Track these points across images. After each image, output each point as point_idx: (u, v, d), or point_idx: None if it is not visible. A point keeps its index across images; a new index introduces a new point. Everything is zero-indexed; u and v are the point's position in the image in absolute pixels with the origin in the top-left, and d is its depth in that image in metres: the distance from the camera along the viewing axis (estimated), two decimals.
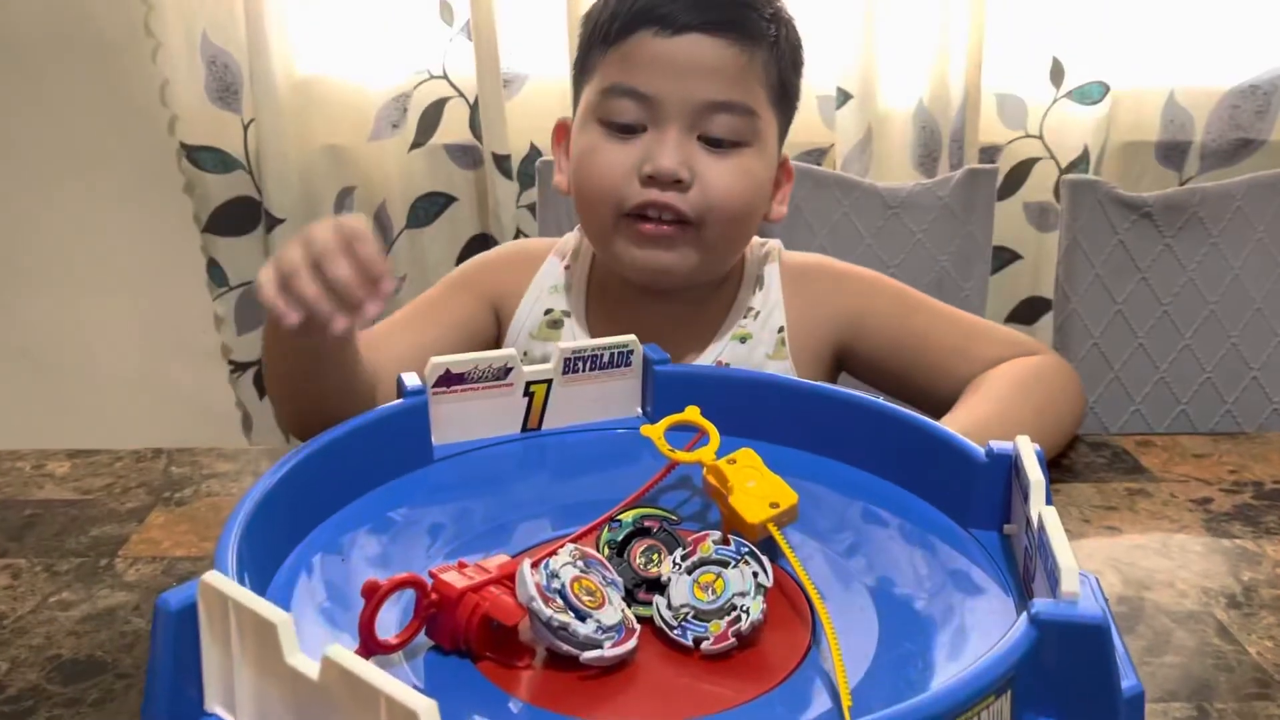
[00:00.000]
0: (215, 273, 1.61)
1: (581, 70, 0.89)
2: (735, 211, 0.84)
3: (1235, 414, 1.20)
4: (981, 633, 0.48)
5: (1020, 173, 1.65)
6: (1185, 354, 1.19)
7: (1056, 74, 1.59)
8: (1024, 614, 0.40)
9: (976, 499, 0.56)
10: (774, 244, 0.98)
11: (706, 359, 0.91)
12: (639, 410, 0.71)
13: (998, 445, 0.55)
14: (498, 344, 0.97)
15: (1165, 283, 1.19)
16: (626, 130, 0.84)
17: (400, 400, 0.62)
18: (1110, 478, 0.85)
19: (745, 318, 0.93)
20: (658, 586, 0.51)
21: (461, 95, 1.60)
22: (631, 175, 0.83)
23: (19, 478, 0.85)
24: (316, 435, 0.59)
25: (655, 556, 0.53)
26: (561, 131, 0.93)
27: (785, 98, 0.88)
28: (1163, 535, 0.76)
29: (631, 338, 0.70)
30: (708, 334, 0.92)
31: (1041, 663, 0.39)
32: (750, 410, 0.66)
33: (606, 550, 0.54)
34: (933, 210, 1.23)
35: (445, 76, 1.59)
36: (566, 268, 0.96)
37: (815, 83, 1.59)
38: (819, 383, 0.68)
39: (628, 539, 0.54)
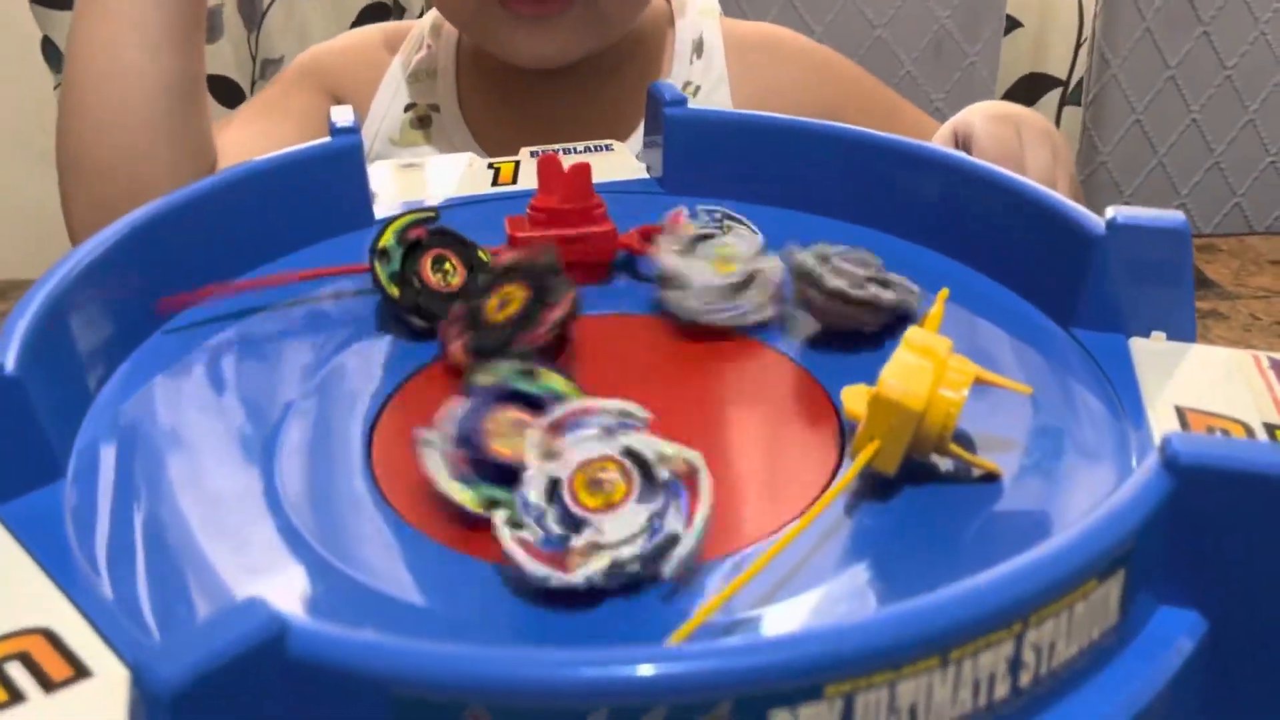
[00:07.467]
0: (51, 53, 1.40)
1: None
2: None
3: None
4: (1077, 484, 0.31)
5: None
6: (1248, 131, 1.08)
7: None
8: (1151, 454, 0.26)
9: (1088, 290, 0.38)
10: (711, 2, 0.84)
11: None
12: (645, 170, 0.54)
13: (1124, 215, 0.37)
14: None
15: (1232, 38, 1.06)
16: None
17: (327, 139, 0.47)
18: None
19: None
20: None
21: None
22: None
23: None
24: (115, 213, 0.41)
25: (449, 266, 0.41)
26: None
27: None
28: None
29: (611, 143, 0.55)
30: (629, 118, 0.76)
31: (1180, 530, 0.25)
32: (792, 170, 0.49)
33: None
34: None
35: None
36: (428, 47, 0.82)
37: None
38: (881, 133, 0.49)
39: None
